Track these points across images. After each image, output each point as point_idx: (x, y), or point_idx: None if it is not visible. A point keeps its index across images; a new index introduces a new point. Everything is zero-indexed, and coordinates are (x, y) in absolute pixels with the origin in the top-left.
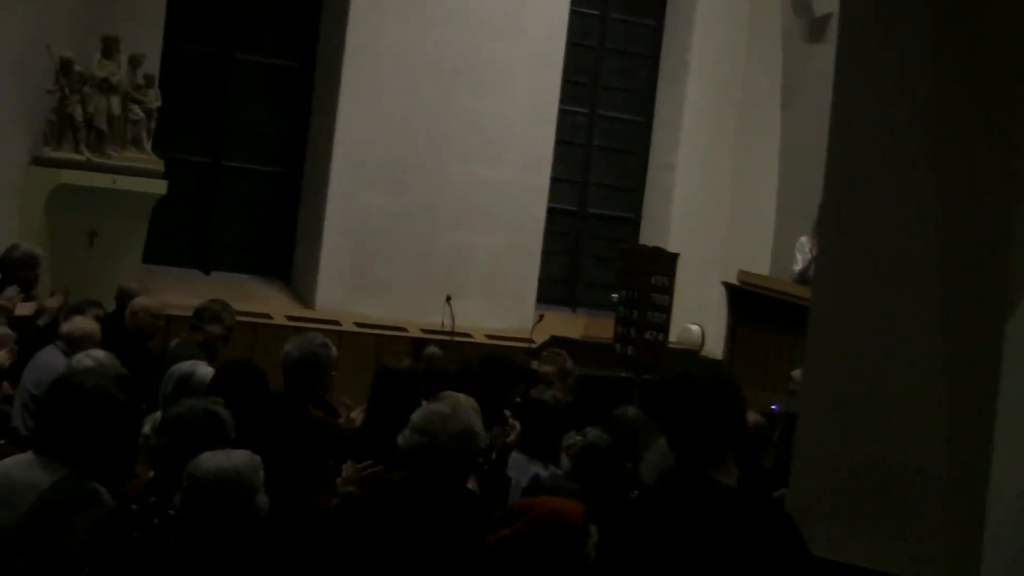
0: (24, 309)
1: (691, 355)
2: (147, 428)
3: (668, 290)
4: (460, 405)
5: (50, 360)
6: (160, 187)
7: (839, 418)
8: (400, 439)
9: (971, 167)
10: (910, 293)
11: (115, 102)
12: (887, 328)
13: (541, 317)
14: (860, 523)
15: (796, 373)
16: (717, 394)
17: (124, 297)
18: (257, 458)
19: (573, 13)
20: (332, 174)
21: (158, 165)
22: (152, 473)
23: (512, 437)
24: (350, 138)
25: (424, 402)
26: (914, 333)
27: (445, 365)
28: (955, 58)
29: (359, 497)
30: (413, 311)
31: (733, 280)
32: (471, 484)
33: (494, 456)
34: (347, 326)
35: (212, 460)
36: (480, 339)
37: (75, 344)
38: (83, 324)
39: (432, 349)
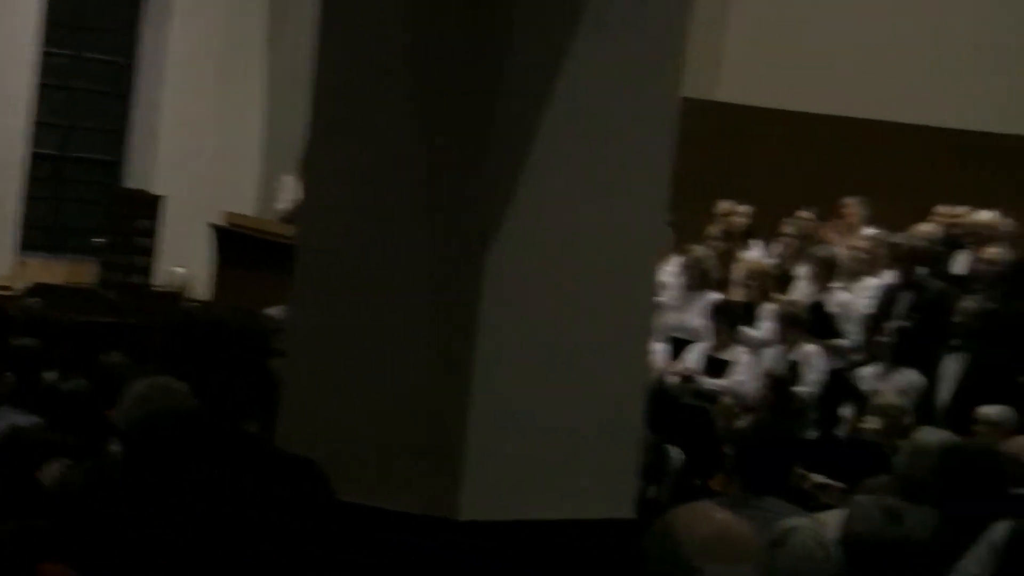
0: None
1: (178, 297)
2: None
3: (152, 233)
4: None
5: None
6: None
7: (329, 352)
8: None
9: (454, 108)
10: (395, 228)
11: None
12: (373, 262)
13: (22, 264)
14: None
15: (273, 310)
16: (244, 341)
17: None
18: None
19: None
20: None
21: None
22: None
23: None
24: None
25: None
26: (400, 266)
27: None
28: None
29: None
30: None
31: (220, 222)
32: None
33: None
34: None
35: None
36: None
37: None
38: None
39: None
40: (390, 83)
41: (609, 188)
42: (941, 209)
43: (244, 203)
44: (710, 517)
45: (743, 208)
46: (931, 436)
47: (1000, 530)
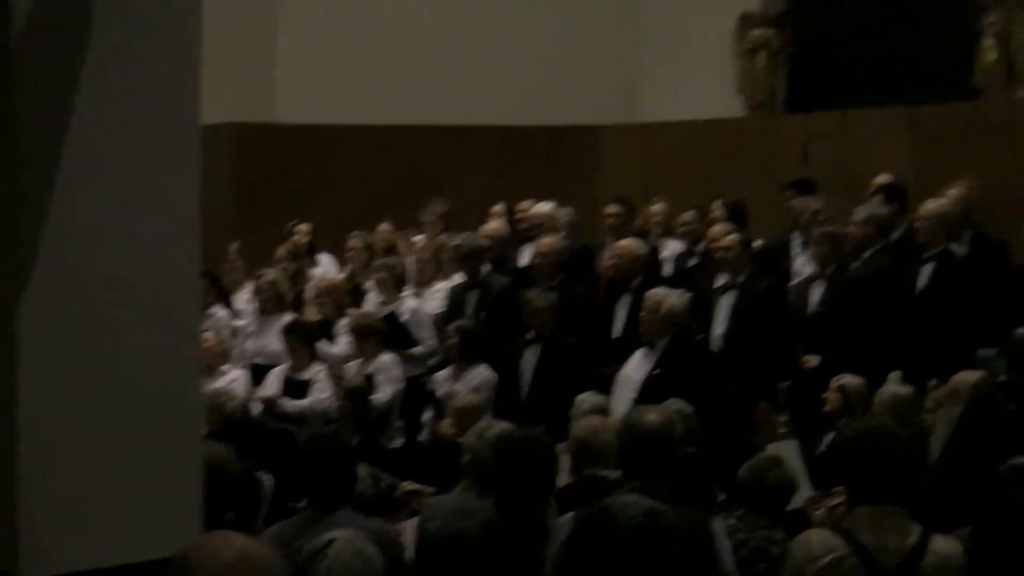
0: None
1: None
2: None
3: None
4: None
5: None
6: None
7: None
8: None
9: None
10: None
11: None
12: None
13: None
14: None
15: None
16: None
17: None
18: None
19: None
20: None
21: None
22: None
23: None
24: None
25: None
26: None
27: None
28: None
29: None
30: None
31: None
32: None
33: None
34: None
35: None
36: None
37: None
38: None
39: None
40: None
41: (137, 225)
42: (497, 207)
43: None
44: (228, 544)
45: (303, 227)
46: (490, 429)
47: (567, 520)
